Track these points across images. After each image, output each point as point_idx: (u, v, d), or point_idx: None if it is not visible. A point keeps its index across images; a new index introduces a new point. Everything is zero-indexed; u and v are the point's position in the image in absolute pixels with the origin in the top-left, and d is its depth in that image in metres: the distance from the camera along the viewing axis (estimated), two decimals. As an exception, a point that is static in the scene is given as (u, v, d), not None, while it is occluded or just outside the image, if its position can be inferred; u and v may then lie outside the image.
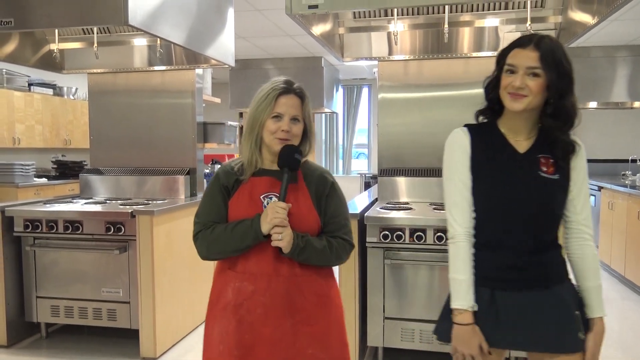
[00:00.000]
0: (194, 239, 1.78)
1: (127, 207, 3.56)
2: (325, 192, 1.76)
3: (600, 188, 5.75)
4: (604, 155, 7.88)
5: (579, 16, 3.17)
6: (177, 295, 3.64)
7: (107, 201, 3.95)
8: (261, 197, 1.73)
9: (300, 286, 1.71)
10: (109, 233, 3.44)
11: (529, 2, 3.37)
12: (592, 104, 6.54)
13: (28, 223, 3.52)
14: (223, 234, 1.71)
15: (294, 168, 1.71)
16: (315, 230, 1.74)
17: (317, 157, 8.08)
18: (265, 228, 1.65)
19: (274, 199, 1.72)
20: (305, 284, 1.72)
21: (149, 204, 3.71)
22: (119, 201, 3.92)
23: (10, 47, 3.75)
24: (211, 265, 4.14)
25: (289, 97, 1.73)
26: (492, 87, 1.66)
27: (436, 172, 3.81)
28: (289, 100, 1.73)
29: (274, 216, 1.63)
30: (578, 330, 1.55)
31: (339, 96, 6.90)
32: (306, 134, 1.78)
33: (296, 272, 1.71)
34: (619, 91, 6.09)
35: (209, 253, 1.76)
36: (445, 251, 1.64)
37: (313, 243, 1.70)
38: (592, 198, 6.01)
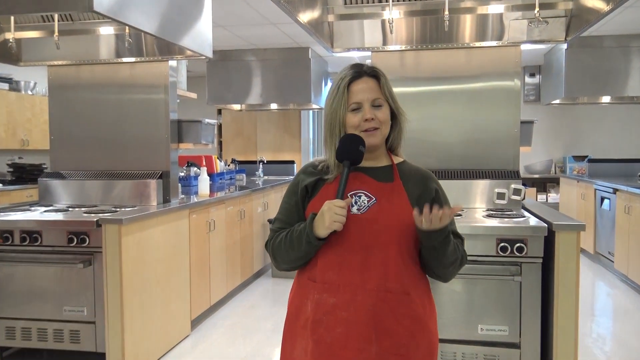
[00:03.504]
0: (265, 248, 1.76)
1: (92, 215, 3.53)
2: (429, 197, 1.68)
3: (615, 190, 5.79)
4: (618, 155, 7.95)
5: (592, 2, 3.19)
6: (148, 314, 3.61)
7: (70, 209, 3.90)
8: (349, 194, 1.64)
9: (392, 305, 1.60)
10: (72, 245, 3.40)
11: (536, -13, 3.38)
12: (605, 99, 6.60)
13: (-20, 234, 3.47)
14: (283, 240, 1.67)
15: (355, 162, 1.63)
16: (411, 234, 1.63)
17: (304, 157, 8.07)
18: (322, 232, 1.57)
19: (363, 197, 1.65)
20: (399, 302, 1.60)
21: (117, 211, 3.67)
22: (82, 208, 3.88)
23: (-41, 36, 3.70)
24: (186, 281, 4.12)
25: (361, 81, 1.67)
26: None
27: (436, 174, 3.80)
28: (363, 84, 1.66)
29: (333, 219, 1.54)
30: None
31: (328, 91, 6.91)
32: (395, 118, 1.72)
33: (389, 286, 1.60)
34: (634, 84, 6.15)
35: (277, 263, 1.72)
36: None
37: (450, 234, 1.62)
38: (607, 201, 6.05)
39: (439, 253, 1.62)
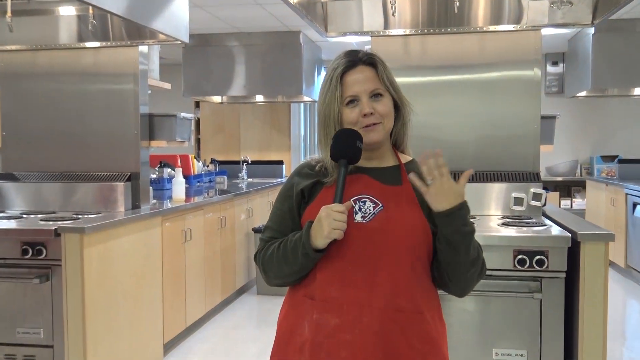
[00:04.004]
0: (254, 261, 1.77)
1: (50, 223, 3.51)
2: None
3: (648, 195, 5.83)
4: (652, 155, 7.99)
5: (622, -19, 3.22)
6: (115, 336, 3.60)
7: (24, 216, 3.89)
8: (352, 200, 1.64)
9: (402, 325, 1.60)
10: (27, 257, 3.39)
11: (559, -37, 3.41)
12: (638, 91, 6.64)
13: None
14: (276, 252, 1.67)
15: (352, 160, 1.64)
16: (424, 245, 1.64)
17: (294, 156, 8.07)
18: (320, 241, 1.57)
19: (368, 203, 1.65)
20: (410, 323, 1.60)
21: (79, 218, 3.67)
22: (39, 215, 3.87)
23: None
24: (158, 299, 4.11)
25: (356, 70, 1.67)
26: None
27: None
28: (359, 73, 1.67)
29: (333, 226, 1.54)
30: None
31: (321, 81, 6.96)
32: (398, 109, 1.73)
33: (399, 304, 1.59)
34: (671, 74, 6.18)
35: (268, 278, 1.73)
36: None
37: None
38: (639, 207, 6.09)
39: (460, 248, 1.60)
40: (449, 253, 1.62)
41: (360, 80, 1.66)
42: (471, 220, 1.62)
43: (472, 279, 1.68)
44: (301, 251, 1.60)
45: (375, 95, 1.66)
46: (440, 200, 1.57)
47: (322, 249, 1.59)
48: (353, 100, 1.66)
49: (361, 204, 1.65)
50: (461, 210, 1.57)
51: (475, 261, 1.65)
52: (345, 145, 1.63)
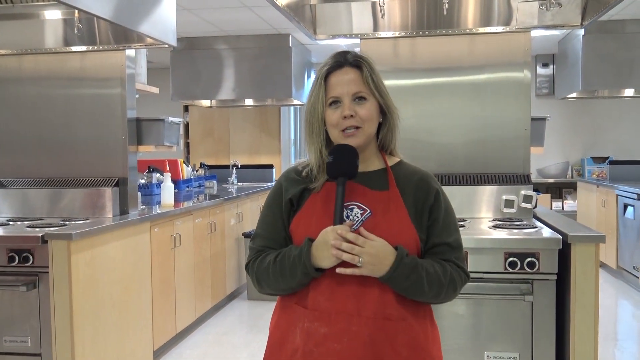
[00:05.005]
0: (245, 270, 1.77)
1: (37, 229, 3.50)
2: (428, 202, 1.68)
3: None
4: (643, 156, 8.04)
5: (610, -18, 3.24)
6: (103, 343, 3.59)
7: (10, 222, 3.88)
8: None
9: (390, 334, 1.60)
10: (13, 264, 3.38)
11: (548, -35, 3.43)
12: (628, 92, 6.68)
13: None
14: (271, 266, 1.66)
15: (351, 176, 1.64)
16: (412, 251, 1.65)
17: (284, 160, 8.07)
18: (327, 264, 1.59)
19: (356, 210, 1.66)
20: (398, 331, 1.61)
21: (66, 225, 3.66)
22: (25, 222, 3.86)
23: None
24: (148, 305, 4.10)
25: (342, 71, 1.67)
26: None
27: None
28: (343, 75, 1.66)
29: (335, 254, 1.55)
30: None
31: (311, 84, 6.94)
32: (385, 114, 1.72)
33: (388, 312, 1.61)
34: (662, 75, 6.22)
35: (262, 289, 1.73)
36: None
37: (423, 263, 1.61)
38: (631, 209, 6.13)
39: (417, 294, 1.63)
40: (410, 297, 1.64)
41: (343, 81, 1.66)
42: (415, 263, 1.60)
43: (445, 299, 1.69)
44: (301, 270, 1.60)
45: (358, 98, 1.66)
46: (377, 268, 1.57)
47: (322, 269, 1.60)
48: (336, 102, 1.66)
49: (348, 211, 1.66)
50: (399, 266, 1.57)
51: (439, 290, 1.65)
52: (344, 163, 1.63)
